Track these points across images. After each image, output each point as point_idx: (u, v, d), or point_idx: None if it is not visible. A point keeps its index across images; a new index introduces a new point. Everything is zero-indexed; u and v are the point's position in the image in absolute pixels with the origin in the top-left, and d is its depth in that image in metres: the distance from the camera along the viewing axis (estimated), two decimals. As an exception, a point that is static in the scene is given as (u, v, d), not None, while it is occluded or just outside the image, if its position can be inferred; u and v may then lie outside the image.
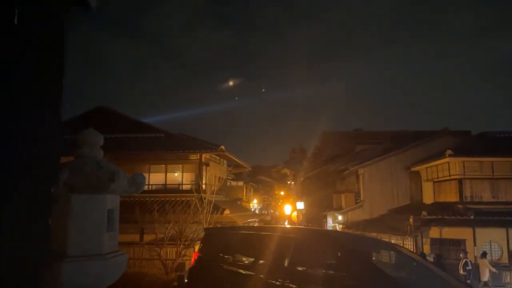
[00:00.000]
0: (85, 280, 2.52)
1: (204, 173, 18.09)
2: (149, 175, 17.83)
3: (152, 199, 16.20)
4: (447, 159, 18.33)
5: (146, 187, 17.68)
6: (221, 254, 6.14)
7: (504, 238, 16.28)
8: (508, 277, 15.04)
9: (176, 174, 18.36)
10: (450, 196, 18.79)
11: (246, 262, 5.60)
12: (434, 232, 16.81)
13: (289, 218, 19.73)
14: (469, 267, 13.25)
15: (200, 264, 6.40)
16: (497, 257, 16.24)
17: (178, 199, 16.56)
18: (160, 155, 17.73)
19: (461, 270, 13.26)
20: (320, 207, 31.86)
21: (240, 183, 34.24)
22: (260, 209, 47.07)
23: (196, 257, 6.69)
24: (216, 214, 14.50)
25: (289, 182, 61.79)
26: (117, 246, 2.84)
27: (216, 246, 6.47)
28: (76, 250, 2.54)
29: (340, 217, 25.24)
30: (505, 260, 16.07)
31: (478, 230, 16.19)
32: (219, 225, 14.26)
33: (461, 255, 14.16)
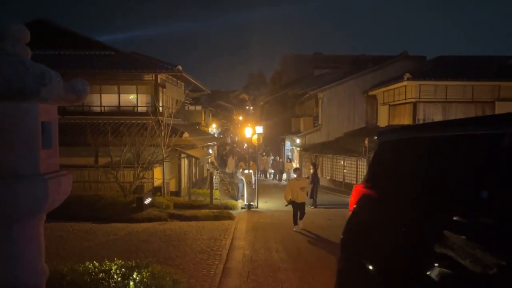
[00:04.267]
0: (17, 205, 2.08)
1: (160, 95, 17.22)
2: (100, 96, 16.76)
3: (105, 121, 15.37)
4: (404, 83, 18.60)
5: (98, 109, 16.79)
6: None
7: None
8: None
9: (130, 97, 17.33)
10: (404, 119, 19.44)
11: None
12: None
13: (249, 141, 19.79)
14: None
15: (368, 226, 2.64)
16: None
17: (133, 121, 15.81)
18: (111, 75, 16.47)
19: None
20: (278, 131, 32.26)
21: (199, 108, 33.50)
22: (219, 134, 47.01)
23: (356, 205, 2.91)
24: (175, 137, 14.08)
25: (247, 108, 61.54)
26: (57, 166, 2.39)
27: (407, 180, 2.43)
28: (2, 171, 2.07)
29: (298, 140, 25.72)
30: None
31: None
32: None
33: None
